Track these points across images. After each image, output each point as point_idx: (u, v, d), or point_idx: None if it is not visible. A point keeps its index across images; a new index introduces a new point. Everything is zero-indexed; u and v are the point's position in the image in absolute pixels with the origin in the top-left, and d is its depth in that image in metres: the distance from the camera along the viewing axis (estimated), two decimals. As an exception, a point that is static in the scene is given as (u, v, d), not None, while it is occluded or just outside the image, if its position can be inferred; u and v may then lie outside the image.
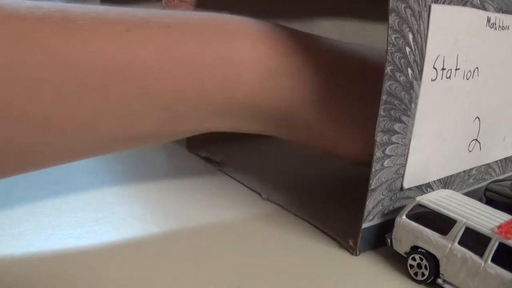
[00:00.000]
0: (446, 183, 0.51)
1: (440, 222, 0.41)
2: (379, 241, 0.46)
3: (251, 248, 0.45)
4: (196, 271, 0.41)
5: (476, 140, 0.52)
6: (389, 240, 0.45)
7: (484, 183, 0.57)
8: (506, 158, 0.59)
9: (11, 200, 0.50)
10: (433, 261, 0.41)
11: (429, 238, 0.41)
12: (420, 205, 0.43)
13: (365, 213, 0.44)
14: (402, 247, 0.43)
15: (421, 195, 0.48)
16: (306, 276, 0.42)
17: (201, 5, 0.67)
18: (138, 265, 0.41)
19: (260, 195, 0.56)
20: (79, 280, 0.39)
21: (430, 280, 0.41)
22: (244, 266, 0.42)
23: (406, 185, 0.46)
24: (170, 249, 0.44)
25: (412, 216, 0.43)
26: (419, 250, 0.42)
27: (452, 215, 0.41)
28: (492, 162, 0.57)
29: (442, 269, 0.40)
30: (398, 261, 0.44)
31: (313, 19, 0.82)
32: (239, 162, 0.65)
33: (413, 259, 0.42)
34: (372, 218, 0.45)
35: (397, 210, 0.47)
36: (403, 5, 0.39)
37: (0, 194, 0.50)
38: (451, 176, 0.51)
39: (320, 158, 0.73)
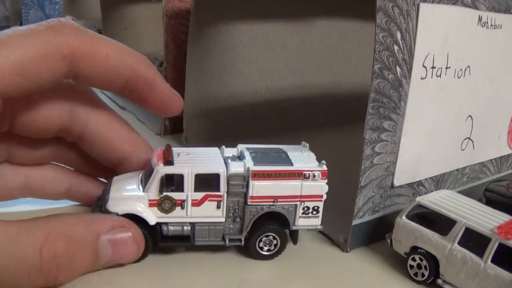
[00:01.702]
0: (438, 181, 0.51)
1: (440, 223, 0.42)
2: (371, 238, 0.47)
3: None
4: (194, 267, 0.42)
5: (469, 138, 0.53)
6: (389, 241, 0.45)
7: (479, 182, 0.57)
8: (501, 157, 0.59)
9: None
10: (433, 262, 0.41)
11: (429, 238, 0.41)
12: (420, 206, 0.43)
13: (355, 210, 0.44)
14: (402, 248, 0.44)
15: (413, 193, 0.49)
16: (298, 272, 0.43)
17: (199, 5, 0.68)
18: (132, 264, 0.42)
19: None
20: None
21: (430, 280, 0.41)
22: (238, 261, 0.43)
23: (396, 182, 0.46)
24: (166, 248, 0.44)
25: (412, 217, 0.43)
26: (419, 250, 0.42)
27: (452, 215, 0.41)
28: (487, 161, 0.57)
29: (442, 270, 0.40)
30: (390, 257, 0.45)
31: (313, 19, 0.82)
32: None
33: (413, 259, 0.42)
34: (363, 215, 0.45)
35: (388, 207, 0.47)
36: (391, 4, 0.40)
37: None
38: (443, 174, 0.51)
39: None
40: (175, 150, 0.43)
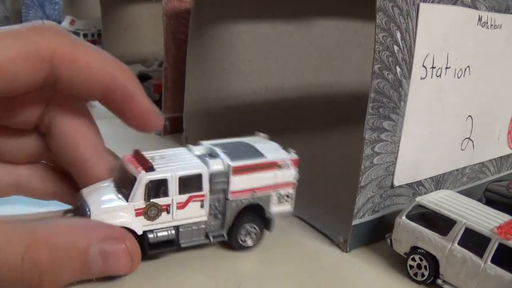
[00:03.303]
0: (438, 181, 0.51)
1: (440, 223, 0.42)
2: (371, 238, 0.47)
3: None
4: (193, 268, 0.42)
5: (469, 138, 0.53)
6: (389, 241, 0.45)
7: (479, 182, 0.57)
8: (501, 157, 0.59)
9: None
10: (433, 262, 0.41)
11: (429, 238, 0.41)
12: (420, 206, 0.43)
13: (355, 210, 0.44)
14: (401, 248, 0.44)
15: (413, 192, 0.49)
16: (298, 272, 0.43)
17: (199, 5, 0.68)
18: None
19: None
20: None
21: (430, 280, 0.41)
22: (238, 261, 0.43)
23: (396, 182, 0.46)
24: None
25: (412, 217, 0.43)
26: (419, 250, 0.42)
27: (452, 215, 0.41)
28: (487, 161, 0.57)
29: (442, 270, 0.40)
30: (390, 257, 0.45)
31: (313, 19, 0.82)
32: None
33: (413, 259, 0.42)
34: (363, 215, 0.45)
35: (388, 207, 0.47)
36: (391, 4, 0.40)
37: None
38: (443, 174, 0.51)
39: (313, 158, 0.73)
40: (146, 154, 0.41)
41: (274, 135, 0.63)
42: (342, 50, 0.86)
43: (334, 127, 0.79)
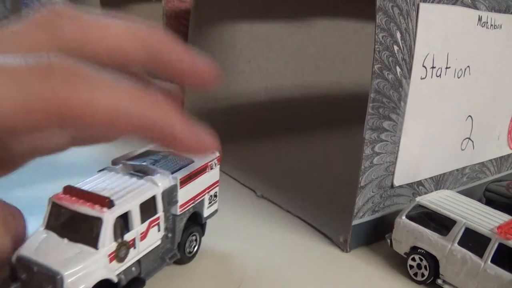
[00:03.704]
0: (438, 181, 0.51)
1: (440, 223, 0.42)
2: (371, 238, 0.47)
3: (244, 243, 0.46)
4: (193, 269, 0.42)
5: (469, 138, 0.53)
6: (389, 241, 0.45)
7: (479, 182, 0.57)
8: (501, 157, 0.59)
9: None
10: (433, 262, 0.41)
11: (429, 238, 0.41)
12: (420, 206, 0.43)
13: (355, 210, 0.44)
14: (401, 248, 0.44)
15: (413, 192, 0.49)
16: (297, 272, 0.43)
17: (199, 5, 0.68)
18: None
19: (255, 192, 0.57)
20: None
21: (430, 280, 0.41)
22: (238, 261, 0.43)
23: (396, 182, 0.46)
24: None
25: (412, 217, 0.43)
26: (419, 250, 0.42)
27: (452, 215, 0.41)
28: (487, 161, 0.57)
29: (442, 270, 0.41)
30: (390, 257, 0.45)
31: (313, 19, 0.82)
32: (236, 161, 0.65)
33: (413, 259, 0.42)
34: (363, 215, 0.45)
35: (388, 207, 0.47)
36: (391, 4, 0.40)
37: None
38: (443, 174, 0.51)
39: (313, 158, 0.73)
40: (79, 187, 0.35)
41: (274, 135, 0.63)
42: (342, 50, 0.86)
43: (334, 127, 0.79)
